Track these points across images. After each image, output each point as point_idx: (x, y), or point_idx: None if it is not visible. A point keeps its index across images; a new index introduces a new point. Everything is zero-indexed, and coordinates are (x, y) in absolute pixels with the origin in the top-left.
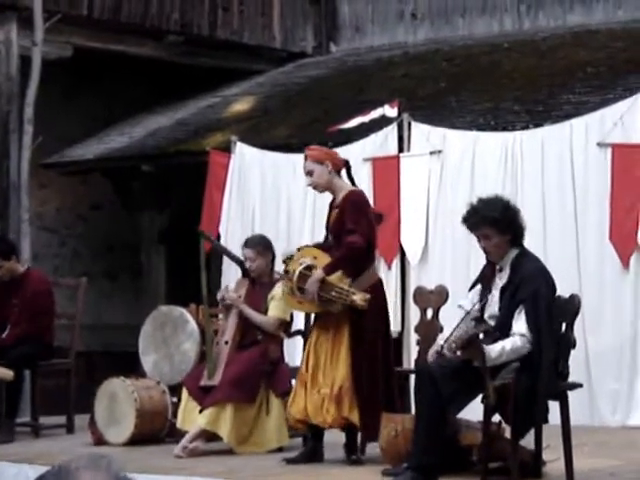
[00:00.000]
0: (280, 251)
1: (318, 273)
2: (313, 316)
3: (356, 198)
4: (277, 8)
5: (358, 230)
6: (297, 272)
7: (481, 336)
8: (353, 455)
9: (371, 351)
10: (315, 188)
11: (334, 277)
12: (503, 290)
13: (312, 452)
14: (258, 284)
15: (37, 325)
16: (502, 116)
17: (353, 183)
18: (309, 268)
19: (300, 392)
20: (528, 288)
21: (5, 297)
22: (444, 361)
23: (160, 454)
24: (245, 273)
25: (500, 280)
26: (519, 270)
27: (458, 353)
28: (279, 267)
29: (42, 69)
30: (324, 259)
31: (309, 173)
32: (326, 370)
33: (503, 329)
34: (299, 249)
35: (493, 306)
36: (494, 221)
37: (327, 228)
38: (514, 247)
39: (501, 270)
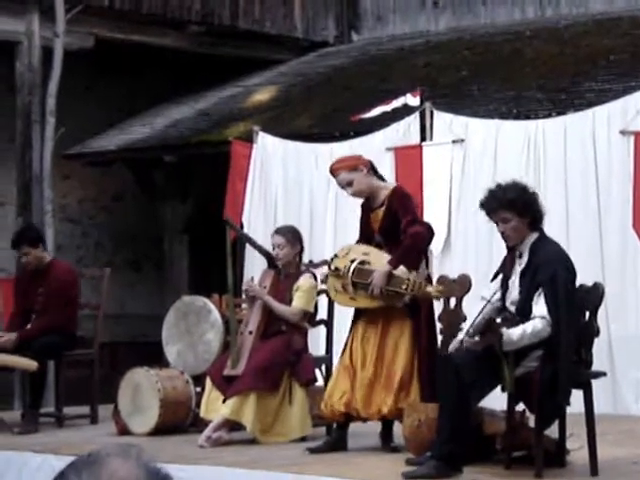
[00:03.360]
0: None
1: (384, 267)
2: (354, 310)
3: (405, 192)
4: None
5: (419, 220)
6: (352, 268)
7: (499, 320)
8: (392, 442)
9: (429, 345)
10: (359, 196)
11: (399, 270)
12: (523, 274)
13: (337, 441)
14: (284, 275)
15: (63, 316)
16: (524, 104)
17: (383, 180)
18: (362, 263)
19: (345, 385)
20: (546, 271)
21: (30, 287)
22: (466, 350)
23: (184, 444)
24: (271, 264)
25: (520, 265)
26: (538, 253)
27: (477, 338)
28: (306, 260)
29: (64, 60)
30: (376, 254)
31: (349, 184)
32: (379, 363)
33: (523, 313)
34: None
35: (513, 292)
36: (512, 203)
37: (364, 230)
38: (533, 231)
39: (521, 256)
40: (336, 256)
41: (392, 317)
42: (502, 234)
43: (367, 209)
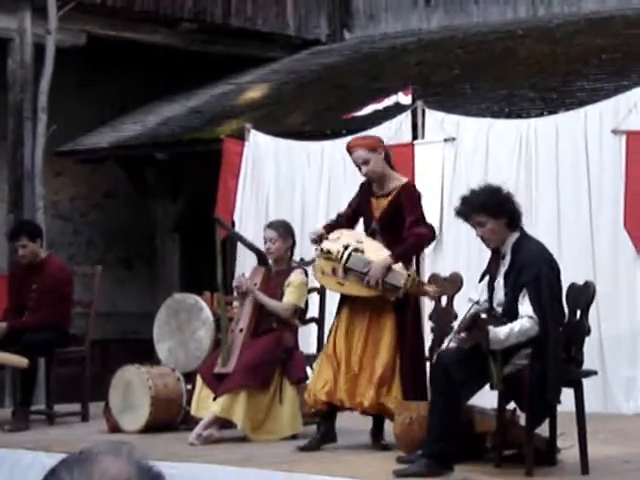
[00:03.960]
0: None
1: (386, 260)
2: (339, 298)
3: (415, 190)
4: None
5: (424, 221)
6: (347, 254)
7: (484, 315)
8: (382, 440)
9: (415, 342)
10: (371, 176)
11: (397, 265)
12: (507, 275)
13: (325, 434)
14: (274, 272)
15: (56, 313)
16: (516, 103)
17: (393, 170)
18: (356, 251)
19: (328, 374)
20: (530, 271)
21: (24, 283)
22: (456, 348)
23: (175, 441)
24: (261, 261)
25: (503, 267)
26: (520, 253)
27: (463, 335)
28: (297, 256)
29: (56, 57)
30: (370, 245)
31: (365, 162)
32: (364, 356)
33: (510, 313)
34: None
35: (499, 293)
36: (483, 206)
37: (358, 212)
38: (513, 231)
39: (504, 257)
40: (327, 238)
41: (379, 311)
42: (481, 238)
43: (368, 193)
